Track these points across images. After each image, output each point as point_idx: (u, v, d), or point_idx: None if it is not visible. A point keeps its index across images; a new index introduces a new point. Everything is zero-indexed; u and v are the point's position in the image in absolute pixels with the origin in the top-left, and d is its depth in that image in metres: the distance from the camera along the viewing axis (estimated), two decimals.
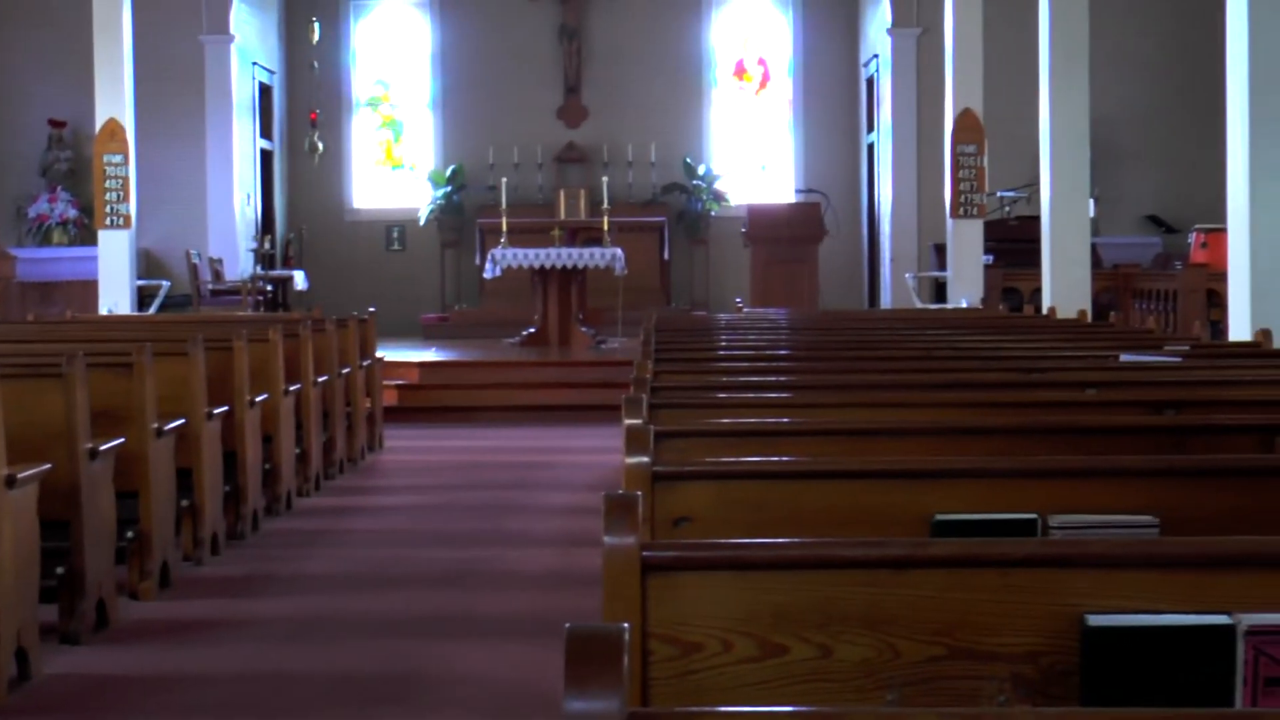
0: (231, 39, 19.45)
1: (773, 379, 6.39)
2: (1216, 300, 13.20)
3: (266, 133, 21.11)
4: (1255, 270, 8.67)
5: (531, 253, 17.15)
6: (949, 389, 5.87)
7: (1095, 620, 2.68)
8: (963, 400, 5.43)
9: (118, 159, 14.86)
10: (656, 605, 2.74)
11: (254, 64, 20.57)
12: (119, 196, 14.93)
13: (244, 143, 20.03)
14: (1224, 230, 9.53)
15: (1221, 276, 10.58)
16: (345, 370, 11.57)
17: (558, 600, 7.21)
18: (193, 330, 9.09)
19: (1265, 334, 7.78)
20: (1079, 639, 2.70)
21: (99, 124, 14.87)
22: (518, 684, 5.90)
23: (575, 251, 17.33)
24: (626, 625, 2.03)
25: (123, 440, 6.90)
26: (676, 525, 3.73)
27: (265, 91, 21.15)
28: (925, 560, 2.80)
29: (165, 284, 17.59)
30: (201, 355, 8.04)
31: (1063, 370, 6.60)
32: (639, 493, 2.91)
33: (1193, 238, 16.00)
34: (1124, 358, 6.96)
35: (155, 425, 7.25)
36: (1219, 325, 12.32)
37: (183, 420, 7.69)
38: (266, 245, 19.91)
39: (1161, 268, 16.92)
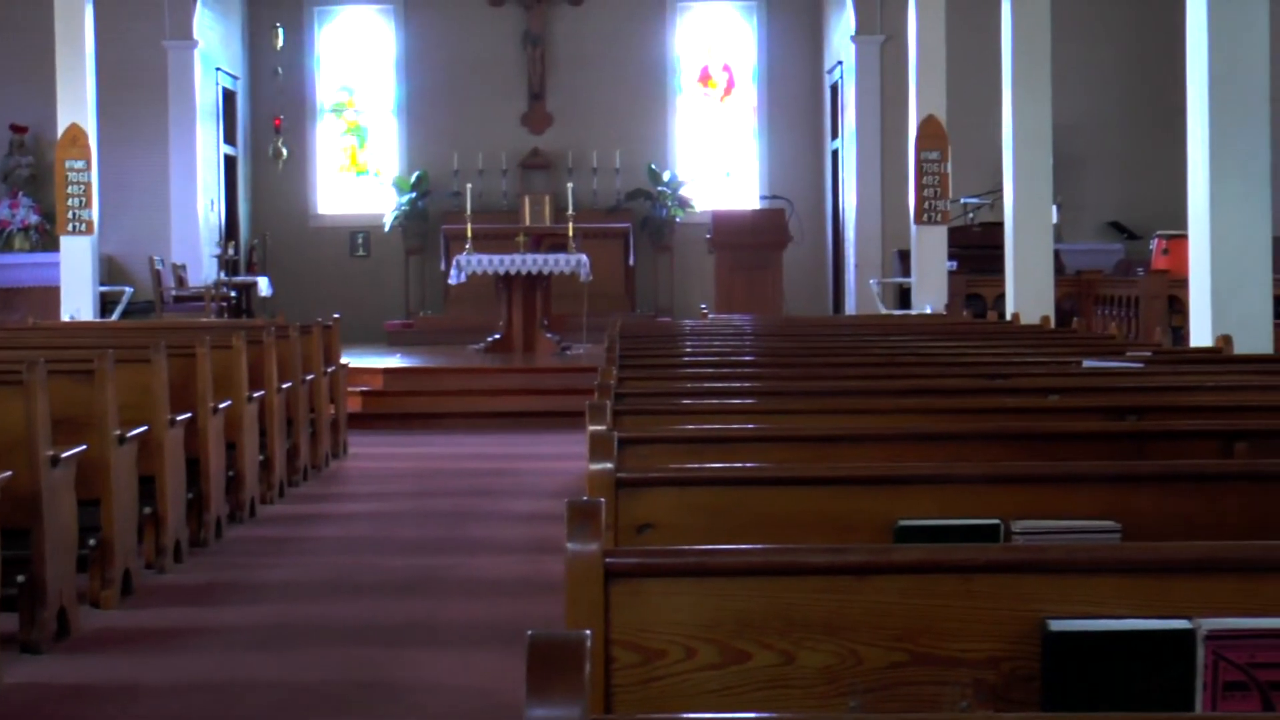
0: (195, 44, 19.38)
1: (737, 385, 6.40)
2: (1178, 306, 13.27)
3: (230, 138, 21.05)
4: (1216, 276, 8.73)
5: (496, 259, 17.14)
6: (912, 395, 5.89)
7: (1056, 625, 2.69)
8: (926, 406, 5.44)
9: (80, 164, 14.78)
10: (619, 612, 2.74)
11: (217, 69, 20.50)
12: (81, 202, 14.86)
13: (207, 148, 19.96)
14: (1185, 237, 9.58)
15: (1183, 283, 10.64)
16: (309, 377, 11.53)
17: (522, 607, 7.20)
18: (155, 337, 9.05)
19: (1226, 340, 7.83)
20: (1040, 644, 2.71)
21: (61, 129, 14.79)
22: (482, 691, 5.89)
23: (540, 258, 17.32)
24: (588, 632, 2.03)
25: (84, 448, 6.86)
26: (640, 532, 3.73)
27: (229, 97, 21.08)
28: (887, 566, 2.80)
29: (128, 290, 17.51)
30: (164, 362, 8.00)
31: (1025, 376, 6.63)
32: (602, 499, 2.92)
33: (1154, 244, 16.08)
34: (1086, 364, 6.99)
35: (117, 432, 7.21)
36: (1180, 331, 12.39)
37: (145, 427, 7.66)
38: (230, 251, 19.84)
39: (1123, 274, 17.00)
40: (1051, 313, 12.65)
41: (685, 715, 2.34)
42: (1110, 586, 2.76)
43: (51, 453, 6.45)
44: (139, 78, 19.12)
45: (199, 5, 19.47)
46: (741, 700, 2.74)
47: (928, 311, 15.09)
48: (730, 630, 2.75)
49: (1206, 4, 8.67)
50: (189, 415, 8.38)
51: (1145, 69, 19.84)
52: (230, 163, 21.10)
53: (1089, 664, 2.68)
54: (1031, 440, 4.60)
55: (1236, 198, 8.69)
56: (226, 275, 19.10)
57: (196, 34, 19.43)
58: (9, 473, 5.97)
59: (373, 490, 11.15)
